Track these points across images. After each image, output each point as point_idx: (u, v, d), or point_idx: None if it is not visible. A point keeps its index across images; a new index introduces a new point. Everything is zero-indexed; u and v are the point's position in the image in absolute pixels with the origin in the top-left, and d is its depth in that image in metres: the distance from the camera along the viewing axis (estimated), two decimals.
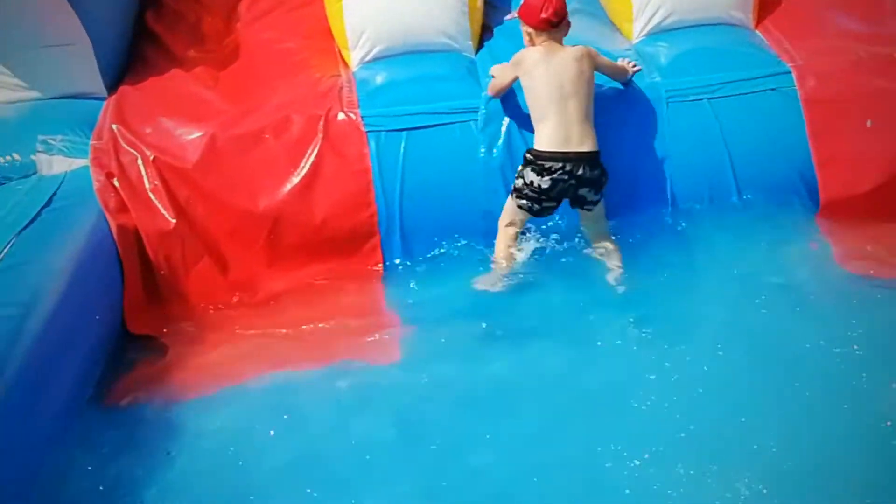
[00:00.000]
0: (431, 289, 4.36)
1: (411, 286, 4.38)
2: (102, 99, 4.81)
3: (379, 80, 4.73)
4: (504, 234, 4.34)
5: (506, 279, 4.28)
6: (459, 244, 4.45)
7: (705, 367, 3.69)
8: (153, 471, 3.46)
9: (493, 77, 4.48)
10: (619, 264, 4.27)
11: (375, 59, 4.87)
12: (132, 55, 5.22)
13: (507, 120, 4.47)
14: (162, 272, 4.29)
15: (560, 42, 4.29)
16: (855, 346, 3.72)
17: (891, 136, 4.44)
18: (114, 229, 4.18)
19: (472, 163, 4.45)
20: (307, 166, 4.39)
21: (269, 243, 4.39)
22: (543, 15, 4.20)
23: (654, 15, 4.87)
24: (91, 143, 4.44)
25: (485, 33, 5.04)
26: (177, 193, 4.34)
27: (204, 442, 3.62)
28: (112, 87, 4.91)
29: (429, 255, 4.47)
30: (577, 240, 4.37)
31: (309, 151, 4.40)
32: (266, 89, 4.73)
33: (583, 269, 4.32)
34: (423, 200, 4.44)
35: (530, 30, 4.29)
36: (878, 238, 4.29)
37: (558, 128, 4.13)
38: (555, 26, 4.22)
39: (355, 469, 3.42)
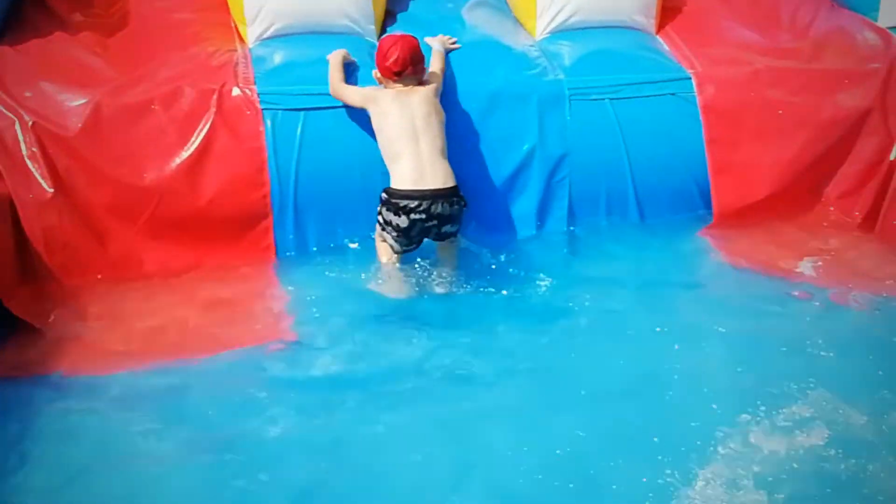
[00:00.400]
0: (324, 274, 4.24)
1: (303, 270, 4.24)
2: None
3: (277, 58, 4.57)
4: (380, 251, 4.24)
5: (400, 279, 4.18)
6: (354, 227, 4.33)
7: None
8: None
9: (329, 64, 4.37)
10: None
11: (274, 37, 4.71)
12: (10, 14, 4.91)
13: None
14: (37, 245, 4.01)
15: (413, 85, 4.24)
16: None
17: (783, 146, 4.53)
18: None
19: (371, 146, 4.33)
20: (197, 141, 4.21)
21: (152, 220, 4.18)
22: (388, 65, 4.21)
23: (557, 14, 4.86)
24: None
25: (388, 19, 4.94)
26: (56, 162, 4.08)
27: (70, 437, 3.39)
28: None
29: (323, 238, 4.35)
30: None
31: (200, 126, 4.22)
32: (157, 60, 4.51)
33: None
34: (319, 183, 4.32)
35: (379, 76, 4.27)
36: (768, 240, 4.37)
37: (413, 166, 4.08)
38: (398, 76, 4.20)
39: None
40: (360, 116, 4.35)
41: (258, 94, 4.30)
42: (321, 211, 4.33)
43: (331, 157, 4.33)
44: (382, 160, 4.23)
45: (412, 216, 4.03)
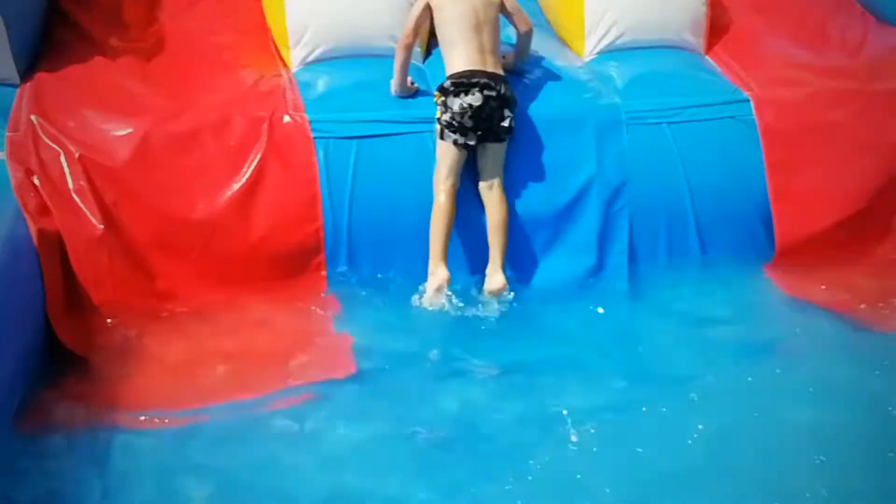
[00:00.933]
0: (379, 308, 4.12)
1: (356, 304, 4.11)
2: (14, 86, 4.36)
3: (324, 83, 4.45)
4: (440, 188, 4.10)
5: (444, 292, 4.06)
6: (409, 259, 4.20)
7: None
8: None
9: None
10: (503, 224, 4.13)
11: (318, 61, 4.59)
12: (45, 38, 4.77)
13: None
14: (86, 284, 3.87)
15: None
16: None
17: (846, 171, 4.43)
18: (34, 234, 3.74)
19: (426, 175, 4.21)
20: (249, 172, 4.08)
21: (203, 255, 4.04)
22: None
23: (606, 33, 4.75)
24: (7, 134, 3.99)
25: (431, 40, 4.80)
26: (104, 196, 3.94)
27: (130, 479, 3.26)
28: (25, 73, 4.46)
29: (377, 271, 4.20)
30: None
31: (251, 156, 4.09)
32: (201, 86, 4.38)
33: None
34: (373, 214, 4.18)
35: None
36: (833, 277, 4.27)
37: (472, 53, 4.14)
38: None
39: None
40: (414, 144, 4.24)
41: (309, 122, 4.17)
42: (375, 243, 4.19)
43: (385, 188, 4.20)
44: None
45: (485, 92, 4.05)
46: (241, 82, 4.38)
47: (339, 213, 4.14)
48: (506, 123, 4.12)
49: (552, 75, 4.55)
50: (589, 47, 4.78)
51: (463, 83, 4.08)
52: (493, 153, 4.17)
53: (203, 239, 4.01)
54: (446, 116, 4.10)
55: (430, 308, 4.04)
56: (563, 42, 4.94)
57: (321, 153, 4.14)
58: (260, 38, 4.84)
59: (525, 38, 4.42)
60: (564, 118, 4.35)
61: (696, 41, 4.85)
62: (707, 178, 4.37)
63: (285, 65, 4.61)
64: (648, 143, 4.36)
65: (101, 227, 3.90)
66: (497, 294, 4.08)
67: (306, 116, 4.19)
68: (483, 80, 4.08)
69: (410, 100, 4.35)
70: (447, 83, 4.12)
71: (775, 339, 4.01)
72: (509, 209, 4.19)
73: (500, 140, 4.15)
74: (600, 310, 4.14)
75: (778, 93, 4.51)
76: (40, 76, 4.36)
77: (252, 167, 4.07)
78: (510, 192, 4.21)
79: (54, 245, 3.82)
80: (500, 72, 4.17)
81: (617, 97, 4.45)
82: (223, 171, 4.06)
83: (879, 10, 5.18)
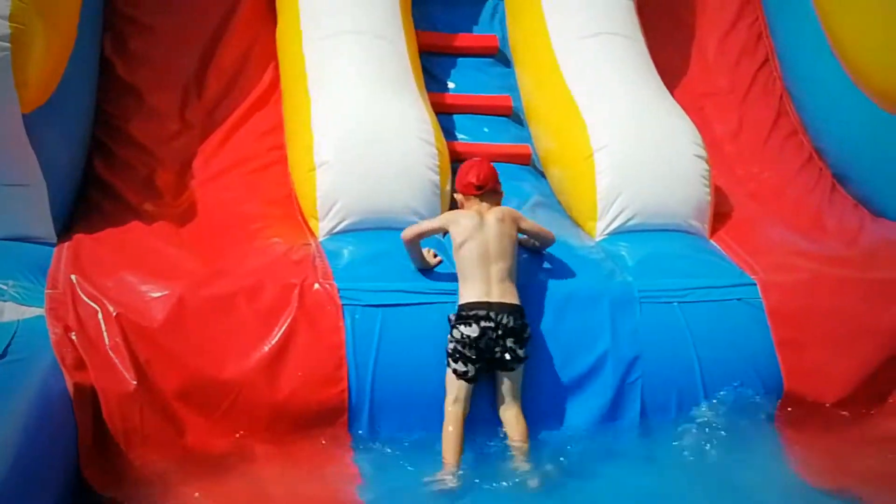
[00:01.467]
0: (399, 470, 4.18)
1: (377, 472, 4.17)
2: (51, 245, 4.55)
3: (350, 252, 4.66)
4: (450, 417, 4.24)
5: (456, 476, 4.12)
6: (429, 427, 4.29)
7: None
8: None
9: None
10: (524, 440, 4.25)
11: (343, 231, 4.81)
12: (80, 202, 4.99)
13: None
14: (117, 437, 3.94)
15: (491, 204, 4.51)
16: None
17: (848, 352, 4.61)
18: (70, 388, 3.85)
19: (446, 344, 4.35)
20: (278, 335, 4.22)
21: (230, 412, 4.13)
22: (470, 180, 4.49)
23: (618, 216, 5.02)
24: (46, 291, 4.14)
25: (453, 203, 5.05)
26: (138, 353, 4.06)
27: None
28: (60, 234, 4.66)
29: (397, 438, 4.29)
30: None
31: (282, 320, 4.24)
32: (232, 252, 4.58)
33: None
34: (396, 380, 4.31)
35: (460, 196, 4.56)
36: (836, 449, 4.39)
37: (482, 285, 4.29)
38: (480, 190, 4.47)
39: None
40: (437, 313, 4.40)
41: (338, 290, 4.34)
42: (397, 407, 4.30)
43: (408, 354, 4.33)
44: None
45: (482, 324, 4.20)
46: (272, 250, 4.56)
47: (363, 376, 4.26)
48: (508, 356, 4.23)
49: (568, 254, 4.78)
50: (600, 228, 5.04)
51: (462, 315, 4.25)
52: (507, 380, 4.30)
53: (231, 397, 4.11)
54: (450, 347, 4.25)
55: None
56: (576, 222, 5.20)
57: (349, 319, 4.30)
58: (287, 208, 5.09)
59: (546, 245, 4.66)
60: (581, 295, 4.55)
61: (701, 226, 5.13)
62: (716, 355, 4.54)
63: (312, 234, 4.82)
64: (660, 321, 4.55)
65: (135, 382, 4.00)
66: None
67: (335, 284, 4.36)
68: (482, 312, 4.22)
69: (435, 272, 4.54)
70: (453, 315, 4.30)
71: None
72: (527, 377, 4.31)
73: (509, 370, 4.29)
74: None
75: (782, 277, 4.74)
76: (78, 237, 4.55)
77: (282, 330, 4.22)
78: (529, 363, 4.36)
79: (89, 398, 3.90)
80: (510, 301, 4.27)
81: (630, 276, 4.67)
82: (254, 333, 4.20)
83: (872, 203, 5.50)
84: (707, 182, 5.14)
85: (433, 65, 5.95)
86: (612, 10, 5.83)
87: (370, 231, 4.82)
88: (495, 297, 4.26)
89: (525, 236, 4.59)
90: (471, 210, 4.48)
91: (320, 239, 4.78)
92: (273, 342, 4.20)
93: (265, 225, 4.87)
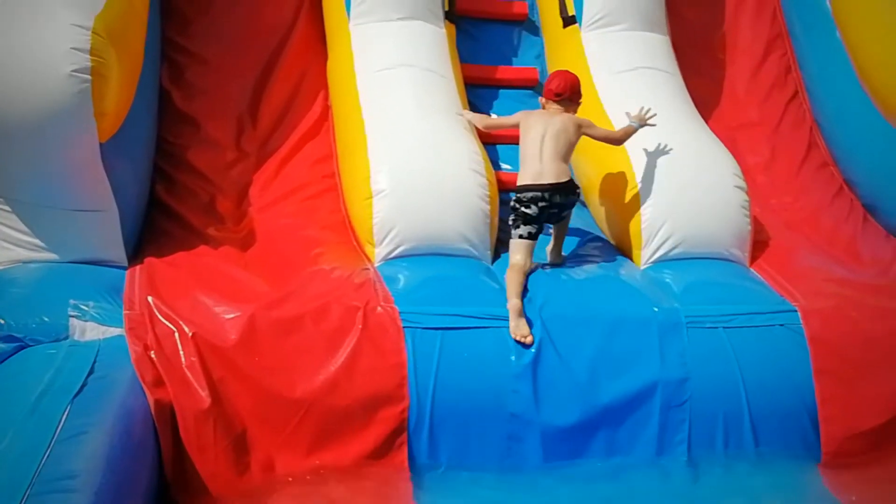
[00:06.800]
0: (456, 492, 4.34)
1: (436, 489, 4.34)
2: (123, 268, 4.75)
3: (406, 277, 4.84)
4: (515, 268, 4.83)
5: (523, 318, 4.63)
6: (487, 445, 4.47)
7: None
8: None
9: (472, 118, 5.42)
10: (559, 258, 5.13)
11: (398, 257, 5.00)
12: (146, 226, 5.20)
13: (538, 328, 4.61)
14: (192, 453, 4.13)
15: (564, 110, 5.13)
16: None
17: (887, 380, 4.78)
18: (151, 404, 4.05)
19: (503, 367, 4.55)
20: (344, 356, 4.40)
21: (296, 430, 4.31)
22: (551, 87, 5.15)
23: (662, 244, 5.20)
24: (125, 312, 4.34)
25: (499, 246, 5.26)
26: (212, 371, 4.25)
27: None
28: (130, 257, 4.86)
29: (456, 456, 4.46)
30: None
31: (347, 341, 4.42)
32: (297, 275, 4.76)
33: None
34: (454, 399, 4.48)
35: (543, 100, 5.20)
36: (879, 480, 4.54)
37: (533, 165, 4.97)
38: (559, 97, 5.11)
39: None
40: (493, 337, 4.59)
41: (399, 313, 4.53)
42: (455, 429, 4.47)
43: (466, 376, 4.52)
44: (514, 380, 4.51)
45: (539, 204, 4.90)
46: (335, 274, 4.75)
47: (423, 396, 4.44)
48: (564, 215, 5.07)
49: (615, 281, 4.98)
50: (645, 256, 5.22)
51: (520, 198, 4.96)
52: (556, 226, 5.12)
53: (299, 414, 4.30)
54: (511, 220, 4.98)
55: (518, 337, 4.57)
56: (620, 251, 5.40)
57: (409, 341, 4.48)
58: (341, 234, 5.29)
59: (618, 143, 5.26)
60: (630, 320, 4.73)
61: (742, 254, 5.31)
62: (760, 378, 4.71)
63: (369, 259, 5.02)
64: (706, 345, 4.73)
65: (209, 400, 4.18)
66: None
67: (396, 307, 4.55)
68: (537, 195, 4.94)
69: (489, 298, 4.73)
70: (514, 197, 5.00)
71: None
72: (578, 399, 4.55)
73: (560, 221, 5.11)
74: None
75: (822, 304, 4.92)
76: (150, 260, 4.75)
77: (347, 351, 4.40)
78: (580, 389, 4.57)
79: (169, 415, 4.09)
80: (561, 179, 4.96)
81: (676, 302, 4.85)
82: (321, 353, 4.39)
83: None
84: (747, 212, 5.33)
85: (476, 96, 6.17)
86: (649, 46, 6.05)
87: (423, 257, 5.00)
88: (546, 179, 4.94)
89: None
90: (545, 110, 5.14)
91: (376, 264, 4.97)
92: (339, 362, 4.39)
93: (324, 250, 5.06)
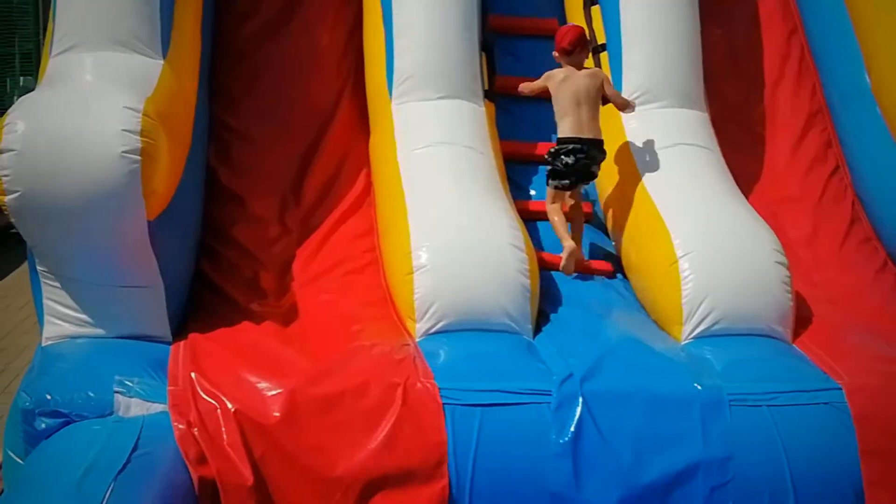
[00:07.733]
0: None
1: None
2: (167, 343, 4.82)
3: (446, 353, 4.86)
4: (552, 211, 5.73)
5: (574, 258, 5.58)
6: None
7: None
8: None
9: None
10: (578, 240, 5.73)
11: (438, 332, 5.03)
12: (190, 301, 5.29)
13: (579, 405, 4.59)
14: None
15: (579, 66, 5.73)
16: None
17: None
18: (195, 481, 4.09)
19: (543, 444, 4.52)
20: (383, 434, 4.41)
21: None
22: (563, 45, 5.71)
23: (703, 320, 5.18)
24: (168, 388, 4.40)
25: (541, 318, 5.27)
26: (253, 448, 4.28)
27: None
28: (174, 332, 4.93)
29: None
30: None
31: (387, 419, 4.44)
32: (336, 352, 4.80)
33: None
34: (493, 478, 4.46)
35: (556, 54, 5.74)
36: None
37: (574, 122, 5.61)
38: (569, 52, 5.69)
39: None
40: (533, 414, 4.57)
41: (439, 389, 4.54)
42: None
43: (506, 454, 4.49)
44: (555, 460, 4.47)
45: (577, 154, 5.59)
46: (375, 350, 4.79)
47: (462, 474, 4.42)
48: (594, 170, 5.71)
49: (656, 357, 4.95)
50: (686, 332, 5.20)
51: (561, 149, 5.62)
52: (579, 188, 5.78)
53: (341, 491, 4.30)
54: (549, 168, 5.71)
55: (567, 275, 5.59)
56: (660, 326, 5.38)
57: (449, 418, 4.49)
58: (382, 309, 5.34)
59: (626, 111, 5.88)
60: (672, 398, 4.69)
61: (784, 330, 5.27)
62: (806, 458, 4.61)
63: (409, 334, 5.06)
64: (750, 424, 4.66)
65: (252, 478, 4.20)
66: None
67: (436, 384, 4.56)
68: (578, 146, 5.60)
69: (529, 374, 4.73)
70: (553, 148, 5.67)
71: None
72: (623, 477, 4.48)
73: (585, 183, 5.81)
74: None
75: (868, 382, 4.84)
76: (194, 336, 4.83)
77: (387, 428, 4.41)
78: (622, 467, 4.52)
79: (212, 491, 4.12)
80: (597, 136, 5.66)
81: (718, 380, 4.81)
82: (361, 430, 4.40)
83: None
84: (789, 287, 5.30)
85: (515, 173, 6.25)
86: (688, 122, 6.11)
87: (464, 332, 5.03)
88: (586, 134, 5.61)
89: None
90: (565, 67, 5.70)
91: (417, 339, 5.00)
92: (378, 439, 4.39)
93: (364, 326, 5.10)
